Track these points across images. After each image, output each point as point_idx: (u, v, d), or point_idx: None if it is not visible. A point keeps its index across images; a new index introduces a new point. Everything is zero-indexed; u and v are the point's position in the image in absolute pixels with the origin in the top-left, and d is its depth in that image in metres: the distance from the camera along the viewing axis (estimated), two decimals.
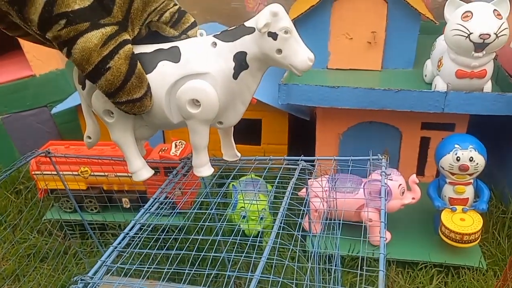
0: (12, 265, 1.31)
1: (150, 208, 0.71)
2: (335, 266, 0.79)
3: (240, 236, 1.05)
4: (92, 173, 1.35)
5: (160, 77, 0.73)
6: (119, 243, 0.63)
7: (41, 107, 1.78)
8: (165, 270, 0.59)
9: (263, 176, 0.83)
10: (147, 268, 0.59)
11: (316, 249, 0.75)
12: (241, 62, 0.71)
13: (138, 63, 0.73)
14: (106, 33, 0.70)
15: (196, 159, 0.77)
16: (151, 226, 0.66)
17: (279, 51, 0.69)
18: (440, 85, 1.27)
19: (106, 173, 1.31)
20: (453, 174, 1.20)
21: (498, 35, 1.12)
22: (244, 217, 1.27)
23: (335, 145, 1.51)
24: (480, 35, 1.11)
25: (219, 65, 0.71)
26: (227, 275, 0.55)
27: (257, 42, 0.70)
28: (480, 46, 1.14)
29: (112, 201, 1.38)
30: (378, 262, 0.56)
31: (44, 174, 1.29)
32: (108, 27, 0.71)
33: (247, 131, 1.63)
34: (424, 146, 1.49)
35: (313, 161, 0.86)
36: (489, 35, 1.11)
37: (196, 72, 0.71)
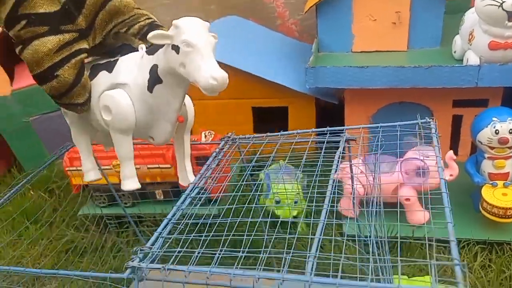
0: (51, 260, 1.32)
1: (190, 194, 0.71)
2: (386, 253, 0.77)
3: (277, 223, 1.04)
4: None
5: (96, 84, 0.78)
6: (163, 229, 0.63)
7: None
8: (217, 254, 0.58)
9: (287, 159, 0.82)
10: (197, 253, 0.58)
11: (371, 237, 0.73)
12: (154, 75, 0.71)
13: (85, 73, 0.78)
14: (64, 40, 0.74)
15: (122, 171, 0.80)
16: (187, 215, 0.66)
17: (183, 65, 0.65)
18: (472, 58, 1.23)
19: (138, 166, 1.31)
20: (492, 148, 1.17)
21: None
22: (278, 202, 1.27)
23: (365, 128, 1.49)
24: None
25: (136, 77, 0.72)
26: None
27: (165, 55, 0.68)
28: None
29: (145, 194, 1.39)
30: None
31: (79, 170, 1.30)
32: (67, 34, 0.74)
33: (273, 120, 1.61)
34: (457, 124, 1.45)
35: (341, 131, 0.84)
36: None
37: (118, 82, 0.74)
